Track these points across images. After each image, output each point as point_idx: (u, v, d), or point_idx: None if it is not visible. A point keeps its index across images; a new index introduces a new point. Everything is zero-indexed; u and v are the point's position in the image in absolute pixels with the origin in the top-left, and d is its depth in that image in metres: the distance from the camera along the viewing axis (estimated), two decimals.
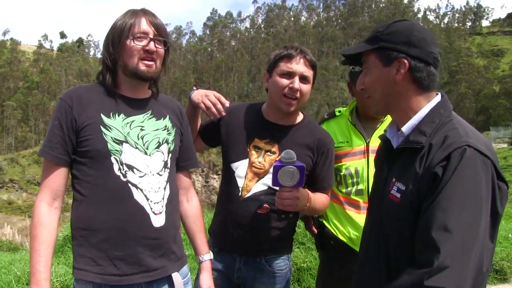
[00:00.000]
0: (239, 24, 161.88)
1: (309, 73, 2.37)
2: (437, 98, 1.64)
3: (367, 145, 2.75)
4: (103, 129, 1.96)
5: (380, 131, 2.70)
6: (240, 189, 2.42)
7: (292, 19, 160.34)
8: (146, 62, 2.01)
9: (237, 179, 2.44)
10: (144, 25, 2.01)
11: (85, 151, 1.95)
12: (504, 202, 1.49)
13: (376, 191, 1.83)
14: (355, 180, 2.76)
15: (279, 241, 2.47)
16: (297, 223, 6.23)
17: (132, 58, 1.99)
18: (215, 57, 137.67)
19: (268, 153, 2.41)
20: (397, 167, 1.63)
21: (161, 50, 2.07)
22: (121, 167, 1.95)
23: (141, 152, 2.00)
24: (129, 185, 1.95)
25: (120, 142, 1.97)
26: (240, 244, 2.44)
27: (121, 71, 2.07)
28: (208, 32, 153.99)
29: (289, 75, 2.34)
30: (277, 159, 2.32)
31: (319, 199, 2.45)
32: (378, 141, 2.04)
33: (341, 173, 2.80)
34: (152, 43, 2.01)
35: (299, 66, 2.33)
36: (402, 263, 1.53)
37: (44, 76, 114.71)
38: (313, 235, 3.00)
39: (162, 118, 2.16)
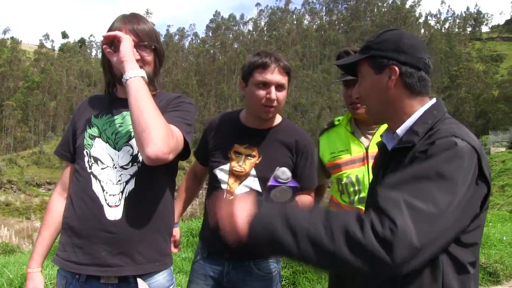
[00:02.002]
0: (242, 27, 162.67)
1: (284, 80, 2.39)
2: (431, 101, 1.67)
3: (366, 152, 2.71)
4: (87, 127, 2.12)
5: (378, 135, 2.66)
6: (225, 192, 2.46)
7: (295, 22, 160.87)
8: None
9: (221, 184, 2.48)
10: None
11: (75, 149, 2.16)
12: (476, 202, 1.44)
13: (370, 197, 1.82)
14: (356, 188, 2.71)
15: None
16: None
17: (118, 70, 2.00)
18: (218, 59, 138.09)
19: (249, 157, 2.46)
20: (390, 168, 1.64)
21: (145, 54, 2.04)
22: (89, 159, 2.06)
23: (110, 146, 2.05)
24: (91, 176, 2.04)
25: (93, 137, 2.08)
26: (227, 246, 2.39)
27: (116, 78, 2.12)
28: (210, 34, 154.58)
29: (265, 85, 2.35)
30: (268, 174, 2.31)
31: (302, 203, 2.47)
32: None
33: (343, 182, 2.76)
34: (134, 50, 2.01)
35: (274, 75, 2.35)
36: (406, 278, 1.46)
37: (45, 76, 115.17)
38: None
39: None
